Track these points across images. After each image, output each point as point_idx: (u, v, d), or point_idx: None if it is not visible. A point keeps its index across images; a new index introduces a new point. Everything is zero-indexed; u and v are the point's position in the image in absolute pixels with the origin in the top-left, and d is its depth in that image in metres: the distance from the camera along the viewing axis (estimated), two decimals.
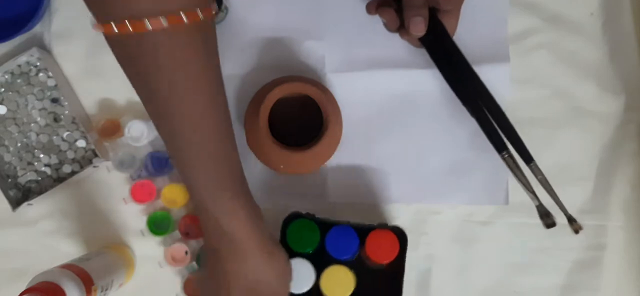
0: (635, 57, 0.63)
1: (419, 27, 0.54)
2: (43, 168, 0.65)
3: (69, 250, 0.65)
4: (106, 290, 0.57)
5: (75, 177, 0.63)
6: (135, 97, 0.50)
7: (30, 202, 0.63)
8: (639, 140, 0.63)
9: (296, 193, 0.64)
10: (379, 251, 0.56)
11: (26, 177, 0.65)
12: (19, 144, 0.64)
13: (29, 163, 0.64)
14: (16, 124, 0.64)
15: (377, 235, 0.56)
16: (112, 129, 0.63)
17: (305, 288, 0.56)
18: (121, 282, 0.61)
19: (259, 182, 0.64)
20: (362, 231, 0.57)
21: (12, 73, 0.64)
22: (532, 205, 0.56)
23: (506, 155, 0.55)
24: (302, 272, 0.56)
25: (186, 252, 0.62)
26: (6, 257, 0.65)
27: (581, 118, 0.63)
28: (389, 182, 0.63)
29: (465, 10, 0.57)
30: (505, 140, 0.55)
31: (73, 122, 0.64)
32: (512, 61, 0.62)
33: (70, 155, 0.64)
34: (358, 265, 0.58)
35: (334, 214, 0.62)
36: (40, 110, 0.64)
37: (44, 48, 0.65)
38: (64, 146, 0.64)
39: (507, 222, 0.63)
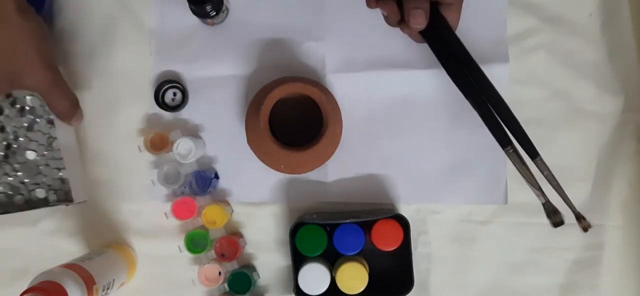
0: (633, 58, 0.63)
1: (419, 19, 0.53)
2: (18, 185, 0.60)
3: (70, 250, 0.65)
4: (108, 289, 0.57)
5: (45, 209, 0.61)
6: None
7: None
8: (638, 140, 0.63)
9: (296, 193, 0.64)
10: (386, 240, 0.59)
11: None
12: (2, 153, 0.60)
13: (5, 174, 0.60)
14: (6, 131, 0.59)
15: (381, 226, 0.59)
16: (160, 143, 0.63)
17: (322, 289, 0.59)
18: (122, 282, 0.61)
19: (260, 181, 0.64)
20: (366, 225, 0.59)
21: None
22: (531, 204, 0.56)
23: (511, 150, 0.54)
24: (317, 274, 0.59)
25: (219, 273, 0.62)
26: (7, 257, 0.65)
27: (580, 119, 0.63)
28: (388, 182, 0.64)
29: (464, 10, 0.57)
30: (509, 135, 0.55)
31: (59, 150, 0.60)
32: (511, 62, 0.63)
33: (49, 181, 0.60)
34: (368, 256, 0.61)
35: (335, 213, 0.63)
36: (35, 127, 0.59)
37: None
38: (45, 170, 0.60)
39: (506, 222, 0.63)
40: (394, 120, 0.64)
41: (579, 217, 0.54)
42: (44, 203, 0.61)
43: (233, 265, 0.63)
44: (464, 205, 0.64)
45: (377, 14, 0.59)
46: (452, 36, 0.56)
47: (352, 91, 0.63)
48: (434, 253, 0.64)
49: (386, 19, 0.57)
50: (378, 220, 0.59)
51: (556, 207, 0.54)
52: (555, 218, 0.54)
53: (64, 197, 0.61)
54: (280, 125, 0.60)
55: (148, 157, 0.64)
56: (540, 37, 0.63)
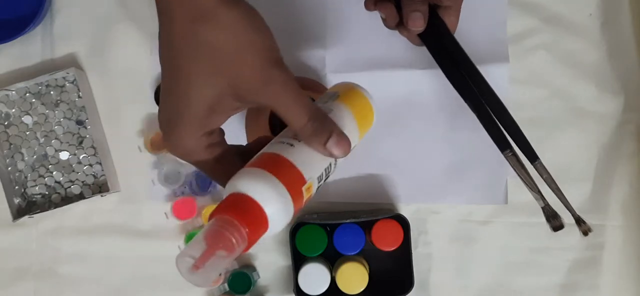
0: (633, 58, 0.63)
1: (417, 22, 0.53)
2: (53, 185, 0.65)
3: (70, 250, 0.65)
4: (327, 175, 0.41)
5: (81, 202, 0.63)
6: None
7: (32, 215, 0.63)
8: (638, 140, 0.63)
9: None
10: (386, 240, 0.59)
11: (34, 189, 0.65)
12: (35, 156, 0.65)
13: (40, 176, 0.65)
14: (37, 137, 0.64)
15: (381, 226, 0.59)
16: (160, 143, 0.63)
17: (322, 289, 0.59)
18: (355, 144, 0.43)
19: None
20: (366, 225, 0.60)
21: (46, 85, 0.64)
22: (531, 205, 0.56)
23: (510, 154, 0.54)
24: (317, 274, 0.59)
25: (220, 273, 0.62)
26: (7, 257, 0.65)
27: (580, 119, 0.63)
28: (388, 182, 0.64)
29: (464, 10, 0.57)
30: (508, 138, 0.55)
31: (92, 147, 0.64)
32: (511, 62, 0.63)
33: (82, 177, 0.65)
34: (368, 256, 0.62)
35: (335, 213, 0.63)
36: (65, 128, 0.65)
37: (80, 67, 0.65)
38: (77, 168, 0.65)
39: (506, 222, 0.63)
40: (394, 120, 0.64)
41: (579, 221, 0.53)
42: (80, 197, 0.64)
43: (233, 265, 0.63)
44: (464, 205, 0.64)
45: (377, 14, 0.59)
46: (450, 39, 0.56)
47: None
48: (434, 253, 0.64)
49: (384, 21, 0.57)
50: (378, 220, 0.59)
51: (556, 211, 0.54)
52: (554, 222, 0.53)
53: (98, 189, 0.65)
54: (281, 126, 0.60)
55: (148, 157, 0.64)
56: (540, 37, 0.63)
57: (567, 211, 0.53)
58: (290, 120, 0.38)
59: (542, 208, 0.54)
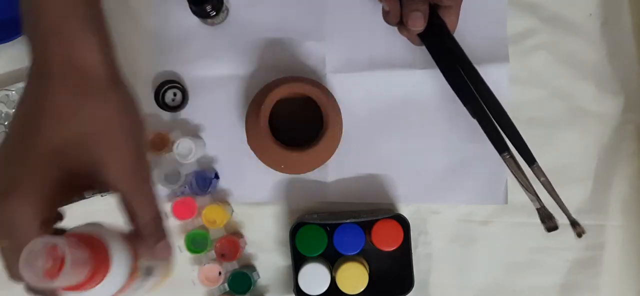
0: (634, 58, 0.63)
1: (417, 22, 0.53)
2: None
3: None
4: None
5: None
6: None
7: None
8: (638, 140, 0.63)
9: (296, 193, 0.64)
10: (386, 240, 0.59)
11: None
12: None
13: None
14: None
15: (381, 226, 0.59)
16: (160, 143, 0.63)
17: (322, 289, 0.59)
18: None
19: (260, 181, 0.64)
20: (366, 225, 0.60)
21: None
22: (531, 205, 0.56)
23: (507, 156, 0.54)
24: (317, 274, 0.59)
25: (219, 273, 0.63)
26: None
27: (580, 119, 0.63)
28: (388, 182, 0.64)
29: (464, 10, 0.57)
30: (506, 140, 0.55)
31: None
32: (511, 62, 0.63)
33: None
34: (368, 256, 0.61)
35: (335, 213, 0.63)
36: None
37: None
38: None
39: (506, 222, 0.63)
40: (394, 120, 0.64)
41: (574, 223, 0.54)
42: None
43: (233, 265, 0.63)
44: (464, 205, 0.64)
45: (377, 14, 0.59)
46: (450, 39, 0.56)
47: (352, 91, 0.63)
48: (434, 253, 0.64)
49: (385, 15, 0.57)
50: (378, 220, 0.59)
51: (551, 213, 0.55)
52: (549, 223, 0.55)
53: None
54: (280, 125, 0.60)
55: (148, 157, 0.64)
56: (540, 37, 0.63)
57: (563, 213, 0.54)
58: (140, 212, 0.39)
59: (538, 209, 0.54)
